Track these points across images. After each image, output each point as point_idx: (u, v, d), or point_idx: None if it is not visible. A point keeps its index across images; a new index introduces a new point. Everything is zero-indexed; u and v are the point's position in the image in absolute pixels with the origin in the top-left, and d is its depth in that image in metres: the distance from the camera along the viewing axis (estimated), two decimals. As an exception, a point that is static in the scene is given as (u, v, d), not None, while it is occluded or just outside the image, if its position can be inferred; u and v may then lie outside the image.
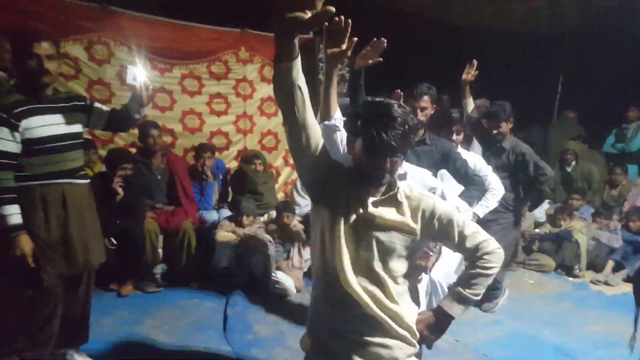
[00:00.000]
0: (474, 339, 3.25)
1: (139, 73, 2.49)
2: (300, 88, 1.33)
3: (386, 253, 1.47)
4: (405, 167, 2.15)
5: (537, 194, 4.03)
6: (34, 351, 2.33)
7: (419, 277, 1.83)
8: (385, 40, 1.91)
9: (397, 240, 1.47)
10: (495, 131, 3.56)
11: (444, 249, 3.03)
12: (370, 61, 1.99)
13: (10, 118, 2.14)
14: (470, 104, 3.81)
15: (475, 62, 3.63)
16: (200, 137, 5.07)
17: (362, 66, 2.14)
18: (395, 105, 1.40)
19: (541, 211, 5.43)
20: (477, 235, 1.52)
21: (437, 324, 1.54)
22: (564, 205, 5.31)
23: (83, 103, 2.43)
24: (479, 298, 1.53)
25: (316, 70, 5.44)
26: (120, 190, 3.59)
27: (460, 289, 1.51)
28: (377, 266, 1.47)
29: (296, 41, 1.23)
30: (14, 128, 2.15)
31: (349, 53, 1.65)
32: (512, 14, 5.92)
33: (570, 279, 4.61)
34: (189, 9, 4.92)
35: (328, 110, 1.84)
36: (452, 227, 1.51)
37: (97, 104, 2.50)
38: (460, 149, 3.14)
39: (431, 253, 1.95)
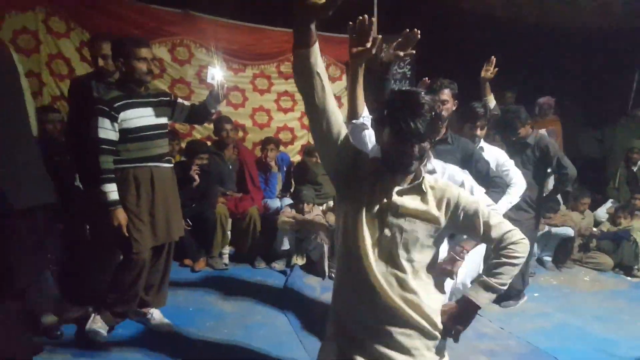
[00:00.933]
0: (520, 328, 3.35)
1: (217, 73, 2.84)
2: (319, 74, 1.36)
3: (409, 242, 1.46)
4: (434, 163, 2.14)
5: (555, 192, 4.00)
6: (122, 306, 2.78)
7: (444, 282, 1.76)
8: (419, 32, 1.85)
9: (420, 230, 1.46)
10: (514, 138, 3.53)
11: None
12: (402, 53, 1.91)
13: (111, 111, 2.55)
14: (492, 101, 3.70)
15: (493, 58, 3.52)
16: (268, 132, 5.46)
17: (390, 60, 2.03)
18: (423, 93, 1.42)
19: (603, 210, 5.30)
20: (502, 225, 1.52)
21: (462, 314, 1.53)
22: (625, 204, 5.16)
23: (168, 99, 2.82)
24: (505, 287, 1.52)
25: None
26: (196, 177, 4.03)
27: (486, 278, 1.50)
28: (400, 255, 1.46)
29: (313, 27, 1.28)
30: (114, 119, 2.56)
31: (374, 51, 1.63)
32: (584, 11, 5.74)
33: (628, 278, 4.51)
34: (262, 13, 5.30)
35: (355, 108, 1.84)
36: (477, 217, 1.50)
37: (180, 100, 2.89)
38: (483, 143, 3.17)
39: (458, 258, 1.93)
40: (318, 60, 1.34)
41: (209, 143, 4.72)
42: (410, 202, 1.47)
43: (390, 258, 1.46)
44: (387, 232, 1.45)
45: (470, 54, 4.32)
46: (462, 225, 1.51)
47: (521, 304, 3.77)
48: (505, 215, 3.11)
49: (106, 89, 2.79)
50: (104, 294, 2.76)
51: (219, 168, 4.32)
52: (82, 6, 4.57)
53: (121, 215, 2.57)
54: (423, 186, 1.49)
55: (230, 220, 4.21)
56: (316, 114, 1.42)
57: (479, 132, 3.11)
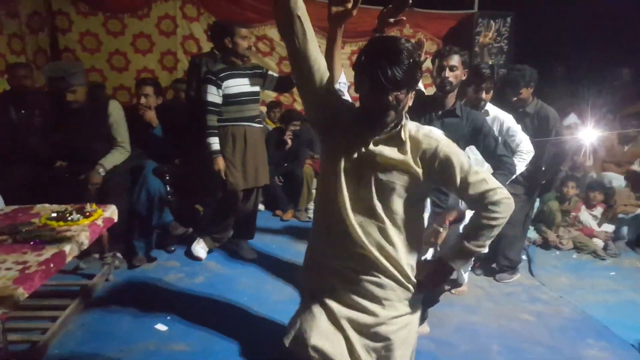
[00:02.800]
0: (581, 299, 3.45)
1: None
2: (299, 17, 1.32)
3: (385, 193, 1.42)
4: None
5: (552, 168, 3.73)
6: (219, 234, 3.58)
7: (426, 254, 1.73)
8: None
9: (396, 180, 1.41)
10: (515, 98, 3.34)
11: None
12: (392, 20, 1.73)
13: (217, 80, 3.26)
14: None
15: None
16: (362, 105, 5.93)
17: (381, 29, 1.83)
18: (402, 40, 1.34)
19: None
20: (483, 183, 1.43)
21: (437, 274, 1.52)
22: None
23: (261, 71, 3.46)
24: (483, 250, 1.51)
25: (473, 43, 5.71)
26: (289, 141, 4.72)
27: (464, 242, 1.47)
28: (377, 206, 1.42)
29: None
30: (219, 87, 3.25)
31: (354, 13, 1.48)
32: None
33: None
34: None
35: (332, 73, 1.66)
36: (454, 170, 1.41)
37: (270, 72, 3.51)
38: (489, 106, 3.02)
39: (441, 229, 1.93)
40: (298, 3, 1.31)
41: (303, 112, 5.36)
42: (387, 151, 1.40)
43: (368, 208, 1.43)
44: (364, 182, 1.42)
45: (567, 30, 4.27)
46: (439, 178, 1.45)
47: (517, 279, 3.72)
48: None
49: (213, 63, 3.52)
50: (204, 222, 3.57)
51: (309, 134, 4.95)
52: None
53: (221, 162, 3.30)
54: (402, 135, 1.41)
55: (315, 180, 4.80)
56: (298, 59, 1.38)
57: (484, 95, 2.93)
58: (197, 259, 3.52)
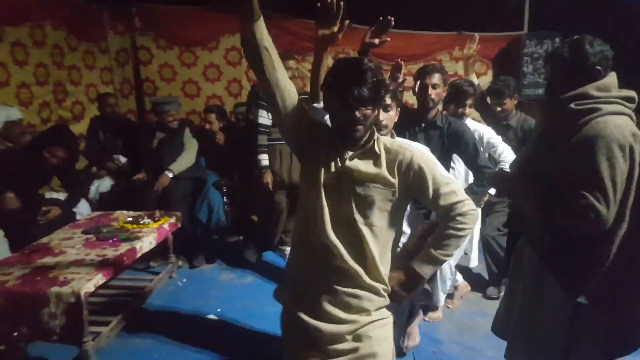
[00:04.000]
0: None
1: None
2: (267, 48, 1.38)
3: (365, 206, 1.46)
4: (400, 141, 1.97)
5: None
6: (269, 240, 4.02)
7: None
8: (393, 18, 1.74)
9: (374, 193, 1.46)
10: (499, 108, 3.34)
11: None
12: (377, 41, 1.76)
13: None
14: (473, 80, 3.47)
15: (477, 35, 3.42)
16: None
17: (365, 51, 1.83)
18: (366, 60, 1.42)
19: None
20: (453, 194, 1.49)
21: (408, 282, 1.55)
22: None
23: (306, 96, 3.84)
24: (449, 258, 1.57)
25: (521, 64, 5.76)
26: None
27: (431, 250, 1.51)
28: (358, 220, 1.46)
29: (255, 3, 1.34)
30: (268, 111, 3.69)
31: (340, 36, 1.57)
32: None
33: None
34: (411, 19, 5.98)
35: (317, 92, 1.76)
36: (427, 182, 1.48)
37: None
38: (468, 121, 3.04)
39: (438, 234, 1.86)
40: (264, 34, 1.37)
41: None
42: (363, 166, 1.47)
43: (348, 221, 1.47)
44: (343, 196, 1.47)
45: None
46: (412, 189, 1.51)
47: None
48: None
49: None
50: (256, 230, 4.01)
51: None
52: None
53: (269, 176, 3.72)
54: (376, 148, 1.49)
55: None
56: (268, 88, 1.44)
57: (467, 111, 3.04)
58: (248, 262, 3.95)
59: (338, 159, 1.48)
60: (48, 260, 2.64)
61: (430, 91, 2.51)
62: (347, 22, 1.59)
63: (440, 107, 2.66)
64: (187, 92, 5.87)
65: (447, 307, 3.30)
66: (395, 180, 1.47)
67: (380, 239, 1.50)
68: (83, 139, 4.47)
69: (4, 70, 3.87)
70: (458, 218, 1.48)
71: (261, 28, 1.36)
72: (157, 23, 5.51)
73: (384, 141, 1.53)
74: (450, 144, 2.53)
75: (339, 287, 1.49)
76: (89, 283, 2.39)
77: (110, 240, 2.95)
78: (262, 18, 1.37)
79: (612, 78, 1.68)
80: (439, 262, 1.54)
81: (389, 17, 1.74)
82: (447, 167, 2.66)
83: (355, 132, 1.43)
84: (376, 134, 1.52)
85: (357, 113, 1.39)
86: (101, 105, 4.52)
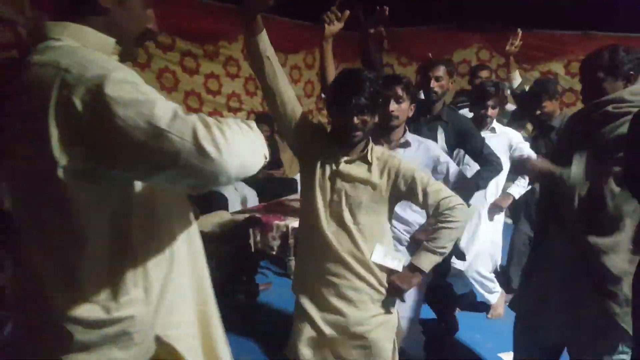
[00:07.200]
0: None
1: None
2: (269, 58, 1.51)
3: (353, 205, 1.62)
4: (409, 137, 2.12)
5: None
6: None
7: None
8: (387, 8, 1.82)
9: (363, 195, 1.61)
10: (538, 111, 3.14)
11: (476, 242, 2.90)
12: (372, 30, 1.83)
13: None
14: (516, 78, 3.44)
15: (519, 32, 3.31)
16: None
17: (364, 46, 1.98)
18: (365, 72, 1.58)
19: None
20: (439, 192, 1.63)
21: (408, 277, 1.66)
22: None
23: None
24: (445, 251, 1.65)
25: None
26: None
27: (427, 243, 1.65)
28: (346, 217, 1.61)
29: (259, 18, 1.45)
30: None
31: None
32: None
33: None
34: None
35: (326, 85, 1.91)
36: (415, 185, 1.62)
37: None
38: (495, 124, 2.99)
39: (430, 228, 1.93)
40: (267, 45, 1.50)
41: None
42: (356, 170, 1.63)
43: (339, 219, 1.62)
44: (335, 196, 1.62)
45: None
46: (404, 193, 1.66)
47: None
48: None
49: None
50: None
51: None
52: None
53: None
54: (369, 156, 1.64)
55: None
56: (269, 94, 1.58)
57: (490, 112, 2.92)
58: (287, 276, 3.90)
59: (333, 163, 1.64)
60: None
61: (434, 84, 2.49)
62: (347, 12, 1.76)
63: (445, 100, 2.64)
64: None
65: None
66: (383, 184, 1.63)
67: (367, 236, 1.63)
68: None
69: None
70: (446, 212, 1.61)
71: (264, 40, 1.49)
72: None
73: (377, 151, 1.68)
74: (456, 138, 2.49)
75: (339, 280, 1.63)
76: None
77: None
78: (264, 31, 1.48)
79: None
80: (436, 254, 1.64)
81: (384, 7, 1.86)
82: (455, 160, 2.63)
83: (353, 138, 1.59)
84: (371, 144, 1.68)
85: (355, 119, 1.54)
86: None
